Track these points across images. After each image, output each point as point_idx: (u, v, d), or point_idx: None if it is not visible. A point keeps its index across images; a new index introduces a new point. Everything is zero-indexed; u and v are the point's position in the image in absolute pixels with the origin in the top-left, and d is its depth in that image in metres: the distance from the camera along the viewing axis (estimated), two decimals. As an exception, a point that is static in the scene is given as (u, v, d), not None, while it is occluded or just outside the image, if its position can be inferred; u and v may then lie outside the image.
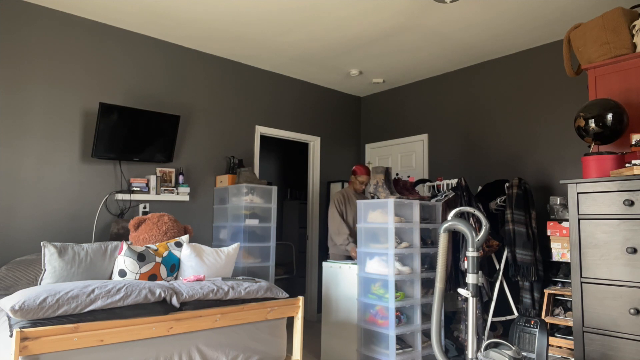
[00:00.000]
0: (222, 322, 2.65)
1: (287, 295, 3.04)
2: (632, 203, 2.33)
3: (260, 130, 5.10)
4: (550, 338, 3.32)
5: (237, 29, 4.13)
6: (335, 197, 4.27)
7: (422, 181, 4.49)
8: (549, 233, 3.50)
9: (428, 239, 3.78)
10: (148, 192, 4.09)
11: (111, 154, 3.84)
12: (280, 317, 2.93)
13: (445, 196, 3.90)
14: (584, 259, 2.50)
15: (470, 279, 2.19)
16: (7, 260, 3.46)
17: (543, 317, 3.44)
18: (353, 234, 4.13)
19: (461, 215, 3.71)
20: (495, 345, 2.25)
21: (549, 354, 3.26)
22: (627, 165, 2.47)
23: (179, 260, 3.18)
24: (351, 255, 4.01)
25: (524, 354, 2.91)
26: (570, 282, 3.47)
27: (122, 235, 3.72)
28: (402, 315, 3.47)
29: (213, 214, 4.61)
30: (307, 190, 5.74)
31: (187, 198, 4.33)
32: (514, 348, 2.15)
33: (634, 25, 2.76)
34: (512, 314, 3.87)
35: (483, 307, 3.84)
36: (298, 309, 3.02)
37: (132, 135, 3.92)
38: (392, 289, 3.32)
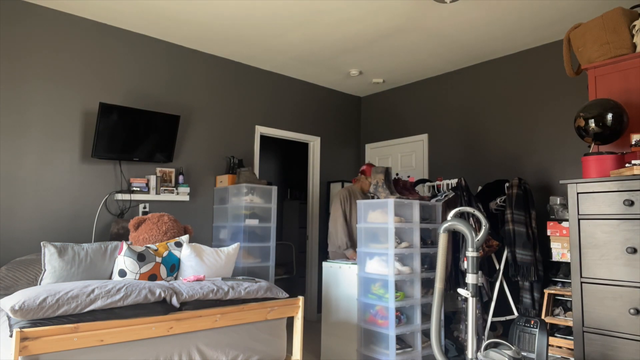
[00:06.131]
0: (222, 322, 2.65)
1: (287, 295, 3.04)
2: (632, 203, 2.33)
3: (260, 130, 5.10)
4: (550, 338, 3.32)
5: (237, 30, 4.13)
6: (341, 194, 4.08)
7: (422, 181, 4.49)
8: (549, 233, 3.50)
9: (428, 239, 3.78)
10: (148, 192, 4.09)
11: (111, 154, 3.84)
12: (280, 317, 2.93)
13: (445, 196, 3.90)
14: (584, 259, 2.50)
15: (470, 279, 2.19)
16: (7, 260, 3.46)
17: (543, 317, 3.44)
18: (354, 237, 4.07)
19: (461, 215, 3.71)
20: (495, 345, 2.25)
21: (549, 354, 3.26)
22: (627, 165, 2.47)
23: (179, 260, 3.18)
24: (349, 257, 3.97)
25: (524, 354, 2.91)
26: (570, 282, 3.47)
27: (122, 235, 3.72)
28: (402, 315, 3.47)
29: (213, 214, 4.61)
30: (307, 190, 5.74)
31: (187, 198, 4.33)
32: (514, 348, 2.15)
33: (634, 25, 2.76)
34: (512, 314, 3.87)
35: (483, 307, 3.83)
36: (298, 309, 3.02)
37: (132, 135, 3.92)
38: (392, 289, 3.32)
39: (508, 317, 3.89)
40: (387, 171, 3.80)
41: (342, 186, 5.56)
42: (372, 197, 3.81)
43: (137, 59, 4.21)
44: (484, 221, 2.28)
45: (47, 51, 3.72)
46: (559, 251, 3.45)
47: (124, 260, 2.95)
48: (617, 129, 2.55)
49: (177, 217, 4.35)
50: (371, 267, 3.50)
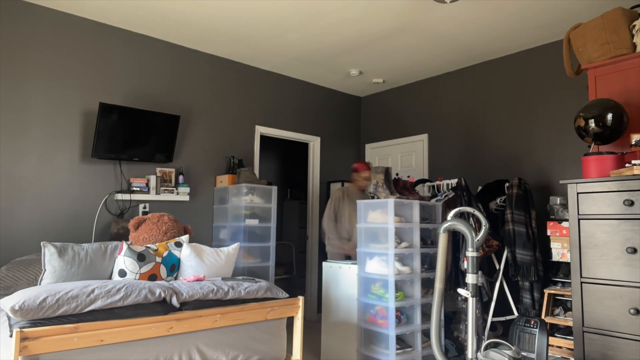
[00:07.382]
0: (222, 322, 2.65)
1: (287, 295, 3.04)
2: (632, 203, 2.33)
3: (260, 130, 5.10)
4: (550, 338, 3.32)
5: (237, 29, 4.13)
6: (335, 195, 4.26)
7: (422, 181, 4.49)
8: (549, 233, 3.50)
9: (428, 239, 3.78)
10: (148, 192, 4.09)
11: (111, 154, 3.84)
12: (280, 317, 2.93)
13: (445, 196, 3.90)
14: (584, 259, 2.50)
15: (470, 279, 2.19)
16: (7, 260, 3.46)
17: (543, 317, 3.44)
18: (348, 233, 4.15)
19: (461, 215, 3.71)
20: (495, 345, 2.25)
21: (549, 354, 3.26)
22: (627, 165, 2.48)
23: (179, 260, 3.18)
24: (349, 254, 4.03)
25: (524, 354, 2.91)
26: (570, 282, 3.47)
27: (122, 235, 3.72)
28: (402, 315, 3.47)
29: (213, 214, 4.61)
30: (307, 190, 5.74)
31: (187, 198, 4.33)
32: (514, 348, 2.15)
33: (634, 25, 2.76)
34: (512, 314, 3.87)
35: (483, 307, 3.83)
36: (298, 309, 3.02)
37: (132, 135, 3.92)
38: (392, 289, 3.32)
39: (508, 317, 3.89)
40: (387, 171, 3.80)
41: (342, 186, 5.57)
42: (372, 197, 3.81)
43: (137, 59, 4.21)
44: (484, 221, 2.28)
45: (47, 51, 3.72)
46: (559, 251, 3.45)
47: (124, 260, 2.95)
48: (617, 129, 2.55)
49: (177, 217, 4.35)
50: (371, 267, 3.50)
